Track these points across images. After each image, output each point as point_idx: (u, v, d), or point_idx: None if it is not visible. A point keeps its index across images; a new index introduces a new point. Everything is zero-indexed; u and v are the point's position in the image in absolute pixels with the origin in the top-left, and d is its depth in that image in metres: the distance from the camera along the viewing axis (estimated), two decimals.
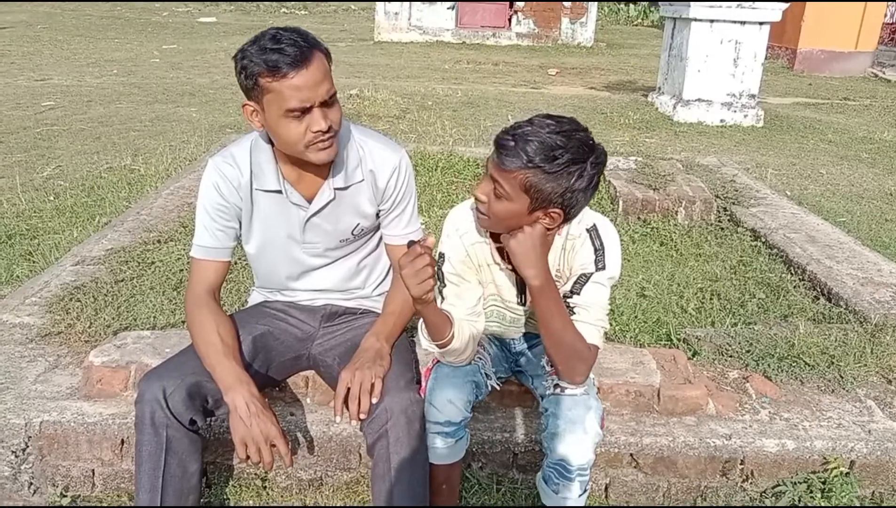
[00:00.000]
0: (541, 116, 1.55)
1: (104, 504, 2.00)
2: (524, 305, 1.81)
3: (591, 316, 1.67)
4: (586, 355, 1.65)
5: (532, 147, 1.49)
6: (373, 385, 1.69)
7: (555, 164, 1.48)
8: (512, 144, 1.50)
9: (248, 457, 1.64)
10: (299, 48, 1.56)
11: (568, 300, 1.69)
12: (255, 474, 2.04)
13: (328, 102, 1.63)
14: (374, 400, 1.68)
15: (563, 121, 1.53)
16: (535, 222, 1.58)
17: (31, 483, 2.02)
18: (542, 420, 1.76)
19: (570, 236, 1.69)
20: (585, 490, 1.71)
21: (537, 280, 1.57)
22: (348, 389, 1.69)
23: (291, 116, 1.60)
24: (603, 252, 1.67)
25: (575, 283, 1.69)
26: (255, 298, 2.08)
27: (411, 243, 1.53)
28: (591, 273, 1.67)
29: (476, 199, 1.62)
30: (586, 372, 1.68)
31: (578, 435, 1.64)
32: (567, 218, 1.59)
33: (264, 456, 1.63)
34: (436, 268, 1.54)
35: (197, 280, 1.83)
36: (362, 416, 1.68)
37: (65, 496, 2.00)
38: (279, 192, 1.79)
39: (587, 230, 1.69)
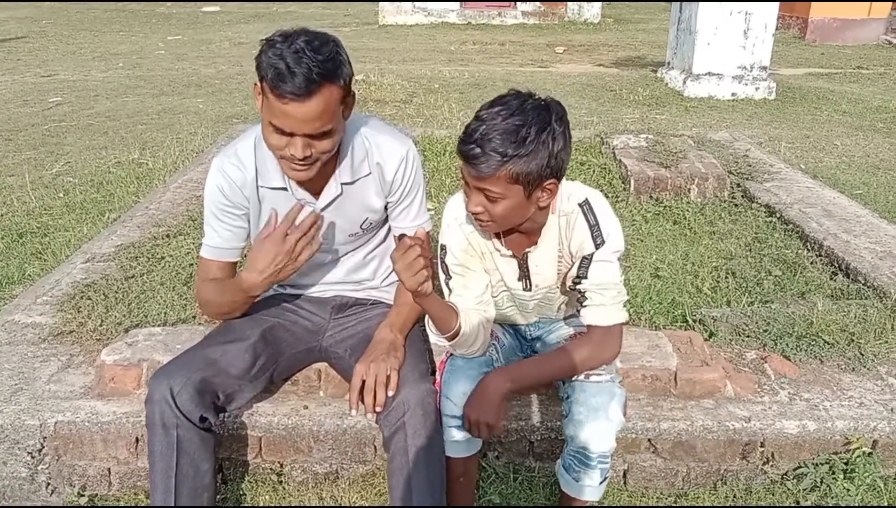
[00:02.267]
0: (485, 107, 1.51)
1: (121, 503, 2.00)
2: (529, 290, 1.79)
3: (604, 297, 1.64)
4: (604, 348, 1.65)
5: (498, 142, 1.46)
6: (388, 378, 1.68)
7: (527, 143, 1.46)
8: (479, 150, 1.47)
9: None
10: (308, 79, 1.49)
11: (577, 286, 1.67)
12: (270, 469, 2.03)
13: (317, 136, 1.58)
14: (391, 393, 1.67)
15: (507, 101, 1.50)
16: (536, 203, 1.57)
17: (49, 484, 2.03)
18: (563, 407, 1.74)
19: (563, 211, 1.67)
20: (605, 478, 1.69)
21: (508, 390, 1.65)
22: (363, 382, 1.67)
23: (272, 128, 1.57)
24: (598, 227, 1.64)
25: (579, 267, 1.66)
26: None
27: (401, 237, 1.52)
28: (592, 253, 1.64)
29: (472, 213, 1.59)
30: (614, 354, 1.68)
31: (601, 423, 1.62)
32: (561, 179, 1.58)
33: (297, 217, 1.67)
34: (429, 259, 1.52)
35: (203, 278, 1.84)
36: (378, 409, 1.67)
37: (82, 495, 2.00)
38: (284, 189, 1.76)
39: (579, 205, 1.65)
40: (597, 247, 1.63)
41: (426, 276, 1.52)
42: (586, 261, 1.64)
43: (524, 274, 1.76)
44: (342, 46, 1.58)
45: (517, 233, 1.69)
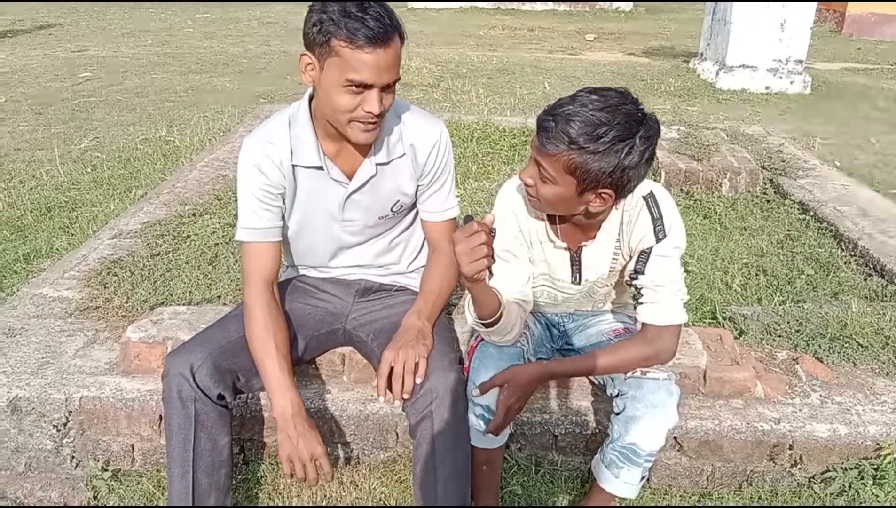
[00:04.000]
0: (585, 90, 1.46)
1: (144, 479, 2.01)
2: (578, 284, 1.75)
3: (660, 295, 1.60)
4: (659, 347, 1.62)
5: (574, 127, 1.41)
6: (416, 365, 1.66)
7: (599, 142, 1.40)
8: (553, 124, 1.42)
9: (292, 473, 1.64)
10: (383, 25, 1.49)
11: (634, 282, 1.63)
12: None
13: (388, 87, 1.58)
14: (419, 380, 1.65)
15: (608, 95, 1.44)
16: (586, 205, 1.51)
17: (73, 457, 2.04)
18: (614, 403, 1.70)
19: (627, 206, 1.62)
20: (643, 477, 1.67)
21: (539, 375, 1.65)
22: (391, 369, 1.66)
23: (349, 87, 1.54)
24: (661, 221, 1.59)
25: (637, 261, 1.62)
26: (289, 272, 2.05)
27: (468, 219, 1.47)
28: (652, 247, 1.60)
29: (523, 182, 1.55)
30: (669, 355, 1.65)
31: (658, 421, 1.60)
32: (620, 196, 1.51)
33: (309, 474, 1.64)
34: (491, 247, 1.47)
35: (251, 270, 1.76)
36: (405, 396, 1.65)
37: (106, 469, 2.01)
38: (320, 168, 1.74)
39: (643, 198, 1.61)
40: (658, 241, 1.59)
41: (485, 265, 1.47)
42: (644, 255, 1.60)
43: (576, 268, 1.72)
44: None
45: (572, 225, 1.65)
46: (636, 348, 1.63)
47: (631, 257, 1.64)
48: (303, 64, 1.59)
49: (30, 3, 13.81)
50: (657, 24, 13.46)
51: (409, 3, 15.18)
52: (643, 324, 1.64)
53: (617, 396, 1.69)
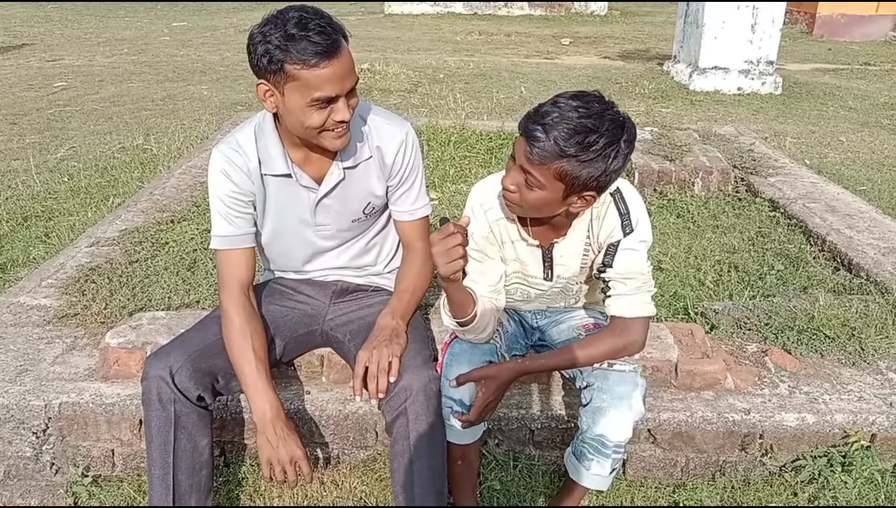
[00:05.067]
0: (565, 96, 1.48)
1: (124, 484, 2.01)
2: (550, 280, 1.79)
3: (629, 287, 1.64)
4: (627, 340, 1.65)
5: (564, 136, 1.43)
6: (390, 364, 1.69)
7: (590, 151, 1.43)
8: (542, 134, 1.44)
9: (272, 476, 1.67)
10: (328, 36, 1.51)
11: (602, 274, 1.67)
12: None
13: (351, 92, 1.61)
14: (392, 379, 1.67)
15: (590, 100, 1.47)
16: (568, 206, 1.56)
17: (53, 464, 2.04)
18: (582, 395, 1.73)
19: (596, 203, 1.66)
20: (614, 469, 1.70)
21: (516, 373, 1.69)
22: (366, 369, 1.68)
23: (316, 106, 1.56)
24: (629, 215, 1.64)
25: (605, 254, 1.66)
26: (266, 275, 2.07)
27: (444, 221, 1.51)
28: (619, 240, 1.64)
29: (505, 188, 1.57)
30: (637, 347, 1.67)
31: (624, 412, 1.63)
32: (600, 195, 1.56)
33: (289, 476, 1.67)
34: (466, 248, 1.51)
35: (227, 276, 1.77)
36: (381, 395, 1.67)
37: (86, 475, 2.02)
38: (288, 176, 1.76)
39: (611, 194, 1.65)
40: (625, 235, 1.63)
41: (462, 265, 1.51)
42: (612, 248, 1.64)
43: (547, 265, 1.76)
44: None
45: (545, 225, 1.69)
46: (606, 341, 1.66)
47: (599, 252, 1.68)
48: (261, 92, 1.60)
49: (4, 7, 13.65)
50: (631, 27, 13.62)
51: (386, 6, 15.22)
52: (612, 317, 1.67)
53: (585, 388, 1.72)
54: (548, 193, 1.51)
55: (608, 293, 1.67)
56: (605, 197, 1.64)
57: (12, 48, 8.63)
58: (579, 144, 1.43)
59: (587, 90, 1.51)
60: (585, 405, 1.69)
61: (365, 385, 1.69)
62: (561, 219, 1.65)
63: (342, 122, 1.60)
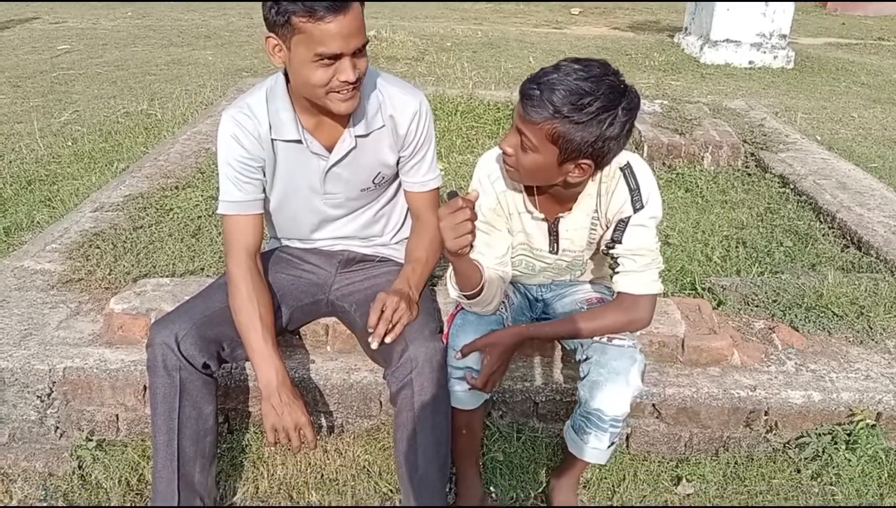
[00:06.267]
0: (568, 60, 1.46)
1: (129, 449, 2.02)
2: (556, 253, 1.77)
3: (637, 263, 1.62)
4: (632, 316, 1.64)
5: (558, 96, 1.41)
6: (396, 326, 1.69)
7: (583, 112, 1.41)
8: (537, 93, 1.42)
9: (276, 442, 1.67)
10: None
11: (611, 250, 1.65)
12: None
13: (358, 53, 1.57)
14: (388, 340, 1.67)
15: (591, 65, 1.44)
16: (565, 175, 1.53)
17: (58, 427, 2.05)
18: (581, 368, 1.72)
19: (605, 177, 1.63)
20: (613, 443, 1.69)
21: (519, 337, 1.69)
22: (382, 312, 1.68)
23: (320, 62, 1.53)
24: (639, 191, 1.61)
25: (615, 230, 1.64)
26: (272, 243, 2.05)
27: (452, 195, 1.48)
28: (629, 216, 1.61)
29: (503, 151, 1.55)
30: (643, 324, 1.67)
31: (621, 386, 1.62)
32: (599, 167, 1.53)
33: (293, 442, 1.67)
34: (474, 223, 1.49)
35: (234, 242, 1.76)
36: (388, 339, 1.67)
37: (90, 439, 2.02)
38: (299, 142, 1.73)
39: (620, 169, 1.62)
40: (635, 211, 1.61)
41: (470, 240, 1.50)
42: (622, 224, 1.62)
43: (553, 238, 1.74)
44: None
45: (550, 196, 1.66)
46: (612, 315, 1.65)
47: (608, 228, 1.66)
48: (269, 46, 1.58)
49: None
50: None
51: None
52: (619, 293, 1.66)
53: (583, 361, 1.72)
54: (542, 156, 1.48)
55: (616, 270, 1.65)
56: (615, 172, 1.62)
57: (21, 20, 8.50)
58: (572, 105, 1.40)
59: (594, 58, 1.48)
60: (583, 379, 1.69)
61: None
62: (561, 190, 1.62)
63: (347, 82, 1.56)
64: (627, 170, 1.62)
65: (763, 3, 7.24)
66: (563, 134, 1.43)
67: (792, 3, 7.29)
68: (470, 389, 1.68)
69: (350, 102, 1.62)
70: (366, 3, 1.60)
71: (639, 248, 1.61)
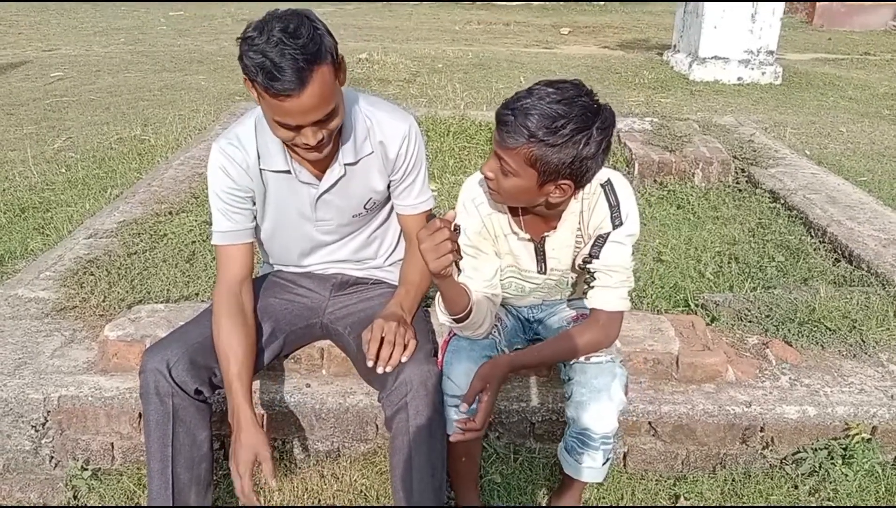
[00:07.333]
0: (541, 84, 1.48)
1: (124, 477, 2.01)
2: (544, 273, 1.78)
3: (613, 279, 1.64)
4: (608, 333, 1.66)
5: (532, 120, 1.43)
6: (405, 346, 1.68)
7: (558, 135, 1.43)
8: (512, 118, 1.44)
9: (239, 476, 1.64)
10: (299, 70, 1.44)
11: (588, 266, 1.67)
12: (272, 446, 2.03)
13: (324, 119, 1.55)
14: (405, 359, 1.66)
15: (564, 87, 1.47)
16: (546, 196, 1.54)
17: (52, 458, 2.04)
18: (565, 389, 1.74)
19: (586, 194, 1.65)
20: (608, 459, 1.70)
21: (511, 367, 1.68)
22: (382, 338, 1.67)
23: (279, 125, 1.54)
24: (618, 208, 1.63)
25: (593, 246, 1.65)
26: (265, 268, 2.06)
27: (430, 217, 1.49)
28: (608, 233, 1.63)
29: (484, 176, 1.57)
30: (613, 340, 1.69)
31: (604, 403, 1.63)
32: (580, 186, 1.55)
33: (245, 479, 1.62)
34: (456, 243, 1.49)
35: (222, 273, 1.77)
36: (388, 368, 1.65)
37: (85, 469, 2.01)
38: (288, 172, 1.74)
39: (601, 185, 1.64)
40: (614, 227, 1.63)
41: (451, 261, 1.50)
42: (601, 240, 1.64)
43: (540, 258, 1.75)
44: (316, 18, 1.51)
45: (535, 216, 1.68)
46: (589, 333, 1.66)
47: (587, 243, 1.68)
48: (246, 84, 1.56)
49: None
50: (631, 16, 13.56)
51: None
52: (593, 309, 1.67)
53: (567, 381, 1.73)
54: (522, 180, 1.50)
55: (591, 285, 1.67)
56: (596, 188, 1.64)
57: (15, 65, 8.53)
58: (547, 129, 1.42)
59: (567, 79, 1.50)
60: (568, 399, 1.70)
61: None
62: (545, 210, 1.64)
63: (309, 145, 1.56)
64: (608, 186, 1.64)
65: (750, 20, 7.33)
66: (539, 157, 1.45)
67: (779, 21, 7.37)
68: (466, 432, 1.64)
69: (319, 155, 1.63)
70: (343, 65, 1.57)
71: (615, 264, 1.63)
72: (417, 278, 1.85)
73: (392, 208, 1.94)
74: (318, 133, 1.56)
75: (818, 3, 12.53)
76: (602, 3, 15.32)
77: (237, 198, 1.75)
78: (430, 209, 1.91)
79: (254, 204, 1.79)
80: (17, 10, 12.82)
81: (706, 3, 7.30)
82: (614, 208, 1.62)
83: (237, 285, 1.76)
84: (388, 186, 1.86)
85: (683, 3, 7.97)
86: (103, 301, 2.43)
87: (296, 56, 1.43)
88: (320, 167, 1.75)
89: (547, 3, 15.14)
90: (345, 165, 1.75)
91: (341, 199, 1.81)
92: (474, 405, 1.63)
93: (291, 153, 1.68)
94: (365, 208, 1.85)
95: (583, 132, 1.44)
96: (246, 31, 1.50)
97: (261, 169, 1.74)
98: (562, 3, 15.14)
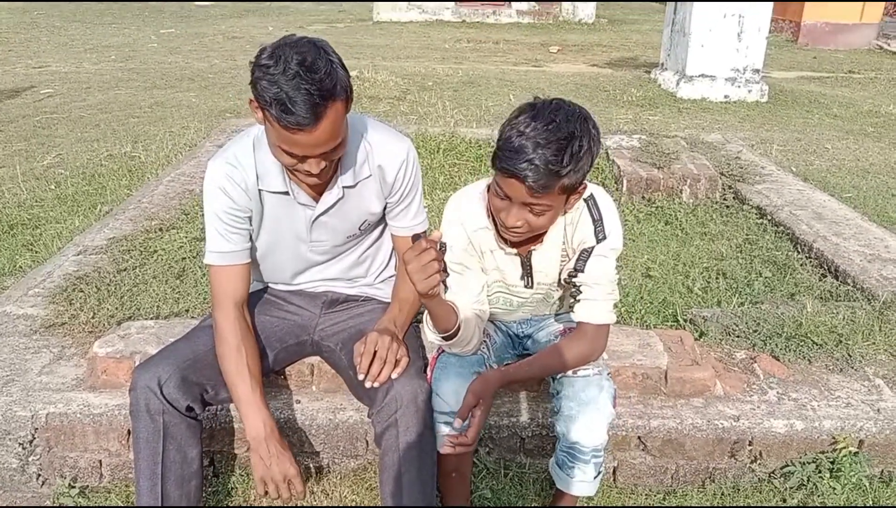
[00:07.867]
0: (522, 121, 1.47)
1: (112, 495, 1.99)
2: (531, 287, 1.79)
3: (598, 292, 1.66)
4: (595, 345, 1.67)
5: (553, 160, 1.43)
6: (397, 361, 1.69)
7: (578, 155, 1.46)
8: (532, 169, 1.44)
9: (266, 493, 1.67)
10: (314, 106, 1.44)
11: (573, 280, 1.68)
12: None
13: (330, 152, 1.56)
14: (395, 376, 1.68)
15: (546, 113, 1.47)
16: (568, 208, 1.60)
17: (40, 475, 2.02)
18: (553, 403, 1.75)
19: (570, 209, 1.67)
20: (599, 473, 1.70)
21: (503, 381, 1.68)
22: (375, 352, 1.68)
23: (284, 151, 1.54)
24: (602, 222, 1.65)
25: (578, 260, 1.67)
26: (255, 285, 2.06)
27: (416, 237, 1.50)
28: (593, 247, 1.65)
29: (511, 228, 1.57)
30: (600, 352, 1.70)
31: (593, 415, 1.64)
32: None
33: (282, 494, 1.68)
34: (442, 262, 1.49)
35: (221, 292, 1.75)
36: (377, 384, 1.67)
37: (73, 486, 2.00)
38: (286, 193, 1.74)
39: (584, 201, 1.66)
40: (598, 242, 1.65)
41: (438, 280, 1.49)
42: (585, 254, 1.65)
43: (527, 272, 1.76)
44: (332, 51, 1.51)
45: None
46: (577, 346, 1.68)
47: (572, 257, 1.70)
48: (252, 106, 1.55)
49: None
50: (619, 35, 13.70)
51: (375, 14, 15.24)
52: (580, 323, 1.69)
53: (555, 395, 1.74)
54: (555, 209, 1.55)
55: (578, 298, 1.69)
56: (579, 204, 1.66)
57: (4, 82, 8.52)
58: (570, 157, 1.45)
59: (532, 103, 1.51)
60: (557, 414, 1.71)
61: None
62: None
63: (311, 173, 1.57)
64: (591, 201, 1.66)
65: (736, 39, 7.43)
66: (571, 183, 1.50)
67: (764, 40, 7.48)
68: (457, 447, 1.66)
69: (319, 183, 1.65)
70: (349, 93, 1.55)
71: (600, 278, 1.65)
72: (410, 296, 1.85)
73: (384, 227, 1.95)
74: (321, 163, 1.57)
75: (803, 22, 12.71)
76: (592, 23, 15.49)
77: (237, 218, 1.75)
78: (425, 231, 1.91)
79: (250, 224, 1.79)
80: (6, 28, 12.82)
81: (693, 22, 7.39)
82: (598, 222, 1.65)
83: (238, 303, 1.76)
84: (385, 208, 1.87)
85: (670, 23, 8.07)
86: (92, 318, 2.43)
87: (311, 91, 1.43)
88: (319, 190, 1.75)
89: (537, 20, 15.28)
90: (343, 187, 1.75)
91: (337, 220, 1.81)
92: (467, 422, 1.64)
93: (290, 175, 1.69)
94: (360, 229, 1.86)
95: (591, 139, 1.49)
96: (260, 58, 1.47)
97: (259, 189, 1.74)
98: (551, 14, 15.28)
